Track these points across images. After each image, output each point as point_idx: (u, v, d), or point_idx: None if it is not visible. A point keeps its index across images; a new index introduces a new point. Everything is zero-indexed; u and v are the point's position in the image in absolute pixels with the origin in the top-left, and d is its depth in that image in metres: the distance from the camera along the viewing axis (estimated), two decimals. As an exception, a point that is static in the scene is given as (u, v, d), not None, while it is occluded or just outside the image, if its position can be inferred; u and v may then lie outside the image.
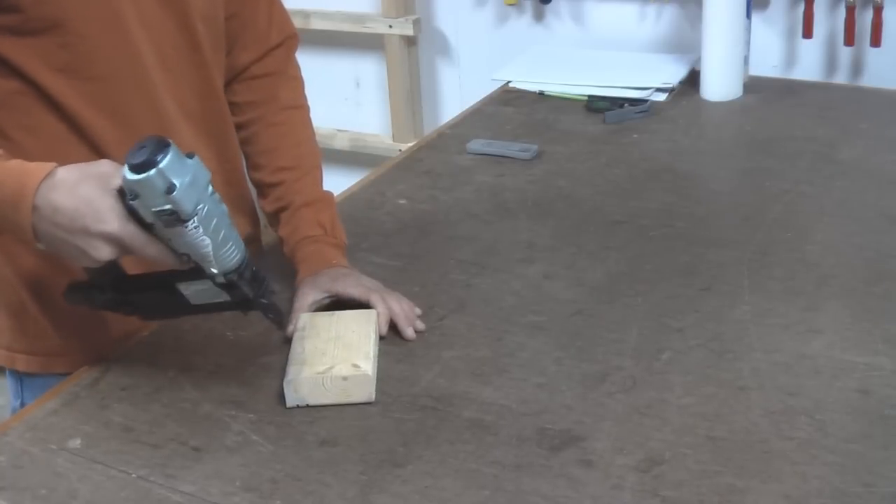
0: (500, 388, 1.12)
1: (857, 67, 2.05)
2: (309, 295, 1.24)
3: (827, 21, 2.04)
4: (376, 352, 1.15)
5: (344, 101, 2.70)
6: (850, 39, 1.98)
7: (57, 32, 1.11)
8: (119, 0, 1.14)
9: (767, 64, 2.09)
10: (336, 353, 1.12)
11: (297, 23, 2.53)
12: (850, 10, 1.95)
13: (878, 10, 1.93)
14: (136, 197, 0.97)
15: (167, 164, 0.95)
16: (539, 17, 2.33)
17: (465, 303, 1.28)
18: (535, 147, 1.73)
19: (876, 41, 1.95)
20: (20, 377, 1.30)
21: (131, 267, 1.09)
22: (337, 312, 1.21)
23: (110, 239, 0.98)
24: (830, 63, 2.07)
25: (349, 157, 2.67)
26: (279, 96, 1.37)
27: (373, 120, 2.68)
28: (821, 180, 1.57)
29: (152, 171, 0.95)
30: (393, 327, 1.22)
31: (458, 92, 2.51)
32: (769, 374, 1.11)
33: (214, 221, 1.00)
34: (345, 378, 1.09)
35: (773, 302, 1.24)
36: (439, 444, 1.03)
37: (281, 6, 1.39)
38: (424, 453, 1.02)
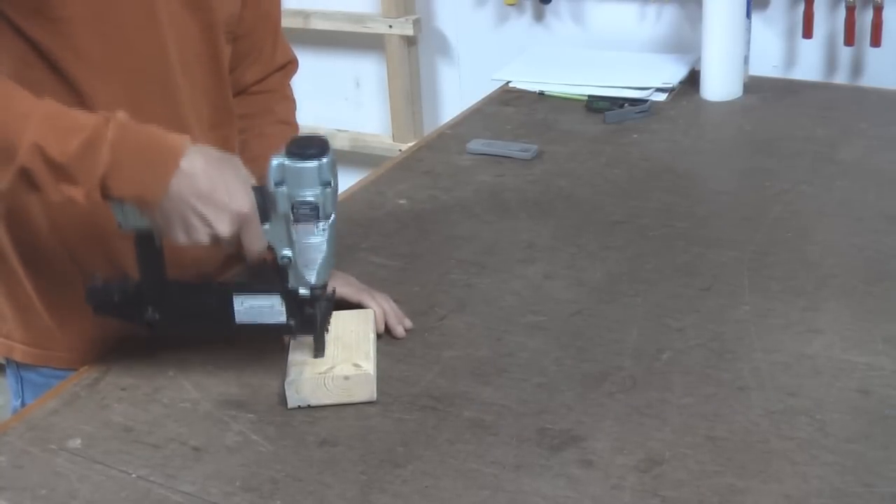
0: (500, 388, 1.12)
1: (857, 67, 2.05)
2: None
3: (827, 21, 2.04)
4: (376, 351, 1.15)
5: (344, 101, 2.70)
6: (850, 39, 1.98)
7: (91, 22, 1.11)
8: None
9: (767, 64, 2.09)
10: (336, 353, 1.12)
11: (297, 23, 2.57)
12: (850, 10, 1.95)
13: (878, 10, 1.93)
14: (282, 183, 1.02)
15: (331, 160, 1.03)
16: (539, 17, 2.33)
17: (465, 303, 1.29)
18: (535, 147, 1.73)
19: (876, 41, 1.95)
20: (20, 376, 1.30)
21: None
22: (335, 313, 1.21)
23: (238, 217, 1.02)
24: (830, 63, 2.07)
25: (349, 157, 2.67)
26: (274, 110, 1.41)
27: (373, 120, 2.68)
28: (821, 180, 1.57)
29: (321, 161, 1.02)
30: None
31: (458, 92, 2.51)
32: (769, 374, 1.11)
33: (335, 232, 1.05)
34: (346, 378, 1.09)
35: (773, 302, 1.24)
36: (439, 444, 1.03)
37: (283, 34, 1.43)
38: (424, 453, 1.02)
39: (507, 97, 2.02)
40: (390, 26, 2.44)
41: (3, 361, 1.31)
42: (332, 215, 1.04)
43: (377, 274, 1.35)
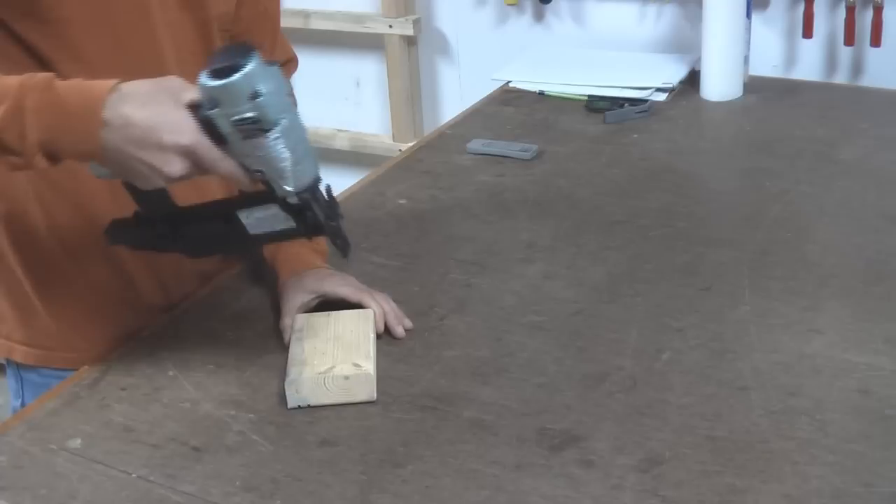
0: (500, 388, 1.12)
1: (857, 67, 2.05)
2: (297, 297, 1.23)
3: (827, 21, 2.04)
4: (375, 351, 1.15)
5: (344, 101, 2.70)
6: (850, 39, 1.98)
7: (83, 23, 1.11)
8: None
9: (767, 64, 2.09)
10: (336, 353, 1.12)
11: (297, 23, 2.57)
12: (850, 10, 1.95)
13: (878, 10, 1.93)
14: (215, 105, 0.93)
15: (253, 69, 0.92)
16: (539, 17, 2.33)
17: (465, 303, 1.28)
18: (535, 147, 1.73)
19: (876, 41, 1.95)
20: (20, 376, 1.30)
21: (182, 198, 1.05)
22: (333, 313, 1.21)
23: (185, 152, 0.95)
24: (830, 63, 2.07)
25: (349, 157, 2.67)
26: None
27: (373, 120, 2.68)
28: (821, 180, 1.57)
29: (237, 75, 0.91)
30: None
31: (458, 92, 2.51)
32: (769, 374, 1.11)
33: (295, 133, 0.96)
34: (347, 378, 1.09)
35: (773, 302, 1.24)
36: (439, 444, 1.03)
37: (282, 32, 1.42)
38: (424, 453, 1.02)
39: (507, 97, 2.02)
40: (390, 26, 2.44)
41: (3, 362, 1.31)
42: (283, 119, 0.95)
43: (377, 274, 1.35)
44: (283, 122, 0.95)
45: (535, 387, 1.11)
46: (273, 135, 0.95)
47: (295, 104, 0.98)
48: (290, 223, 1.03)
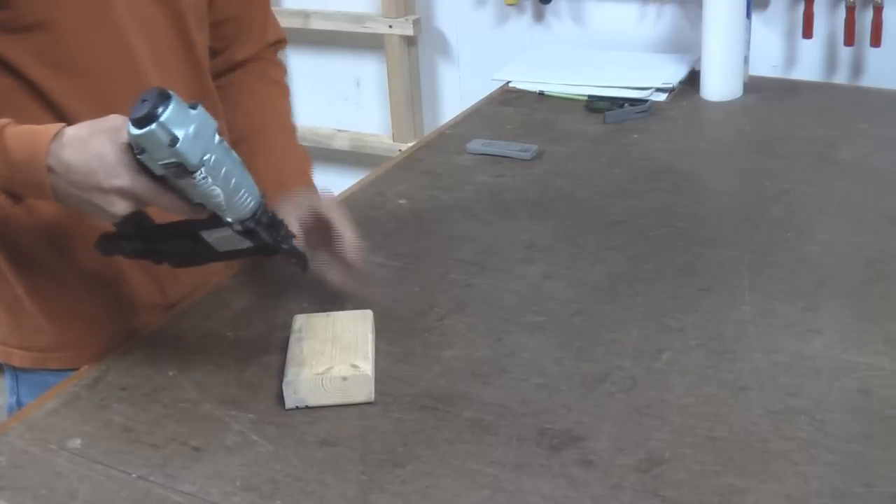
0: (500, 388, 1.12)
1: (857, 67, 2.05)
2: (292, 212, 1.22)
3: (827, 21, 2.04)
4: (374, 352, 1.15)
5: (344, 101, 2.70)
6: (850, 39, 1.98)
7: (48, 28, 1.11)
8: None
9: (767, 64, 2.09)
10: (334, 354, 1.12)
11: (297, 23, 2.57)
12: (850, 10, 1.95)
13: (878, 10, 1.93)
14: (142, 151, 0.96)
15: (168, 117, 0.94)
16: (539, 17, 2.33)
17: (465, 303, 1.28)
18: (535, 147, 1.73)
19: (876, 41, 1.95)
20: (16, 373, 1.30)
21: (158, 216, 1.09)
22: (333, 313, 1.21)
23: (124, 193, 0.99)
24: (830, 63, 2.07)
25: (349, 157, 2.67)
26: (267, 73, 1.42)
27: (373, 120, 2.68)
28: (821, 180, 1.57)
29: (153, 125, 0.94)
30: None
31: (458, 92, 2.51)
32: (769, 374, 1.11)
33: (224, 170, 0.99)
34: (344, 378, 1.09)
35: (773, 302, 1.24)
36: (439, 444, 1.03)
37: (272, 13, 1.44)
38: (424, 453, 1.02)
39: (507, 97, 2.02)
40: (390, 26, 2.44)
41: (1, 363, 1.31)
42: (207, 159, 0.97)
43: (377, 274, 1.35)
44: (209, 161, 0.97)
45: (535, 387, 1.11)
46: (199, 175, 0.97)
47: (224, 138, 1.01)
48: (247, 243, 1.06)
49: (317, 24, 2.56)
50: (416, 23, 2.43)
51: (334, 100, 2.69)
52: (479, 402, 1.09)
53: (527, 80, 2.06)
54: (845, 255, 1.35)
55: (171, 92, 0.96)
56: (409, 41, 2.48)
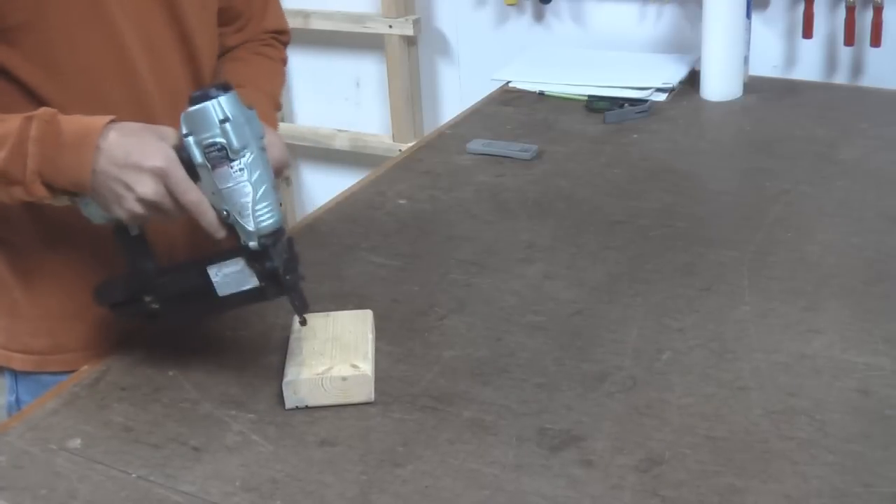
0: (500, 388, 1.12)
1: (857, 67, 2.05)
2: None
3: (827, 21, 2.04)
4: (374, 352, 1.15)
5: (344, 101, 2.70)
6: (850, 39, 1.98)
7: (35, 28, 1.11)
8: None
9: (767, 64, 2.09)
10: (334, 354, 1.12)
11: (297, 23, 2.57)
12: (850, 10, 1.95)
13: (878, 10, 1.93)
14: (190, 133, 1.01)
15: (226, 99, 1.01)
16: (539, 17, 2.33)
17: (465, 303, 1.28)
18: (535, 147, 1.73)
19: (876, 41, 1.95)
20: (15, 373, 1.30)
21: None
22: (332, 313, 1.21)
23: (159, 173, 1.02)
24: (830, 63, 2.07)
25: (349, 157, 2.68)
26: (256, 48, 1.41)
27: (373, 120, 2.68)
28: (821, 180, 1.57)
29: (209, 101, 1.00)
30: None
31: (458, 92, 2.51)
32: (769, 374, 1.11)
33: (258, 173, 1.03)
34: (344, 379, 1.09)
35: (773, 302, 1.24)
36: (439, 444, 1.03)
37: (277, 3, 1.44)
38: (424, 453, 1.02)
39: (507, 97, 2.02)
40: (390, 26, 2.44)
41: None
42: (247, 153, 1.02)
43: (377, 274, 1.36)
44: (248, 154, 1.02)
45: (534, 387, 1.11)
46: (237, 165, 1.01)
47: (264, 150, 1.05)
48: (254, 280, 1.07)
49: (317, 24, 2.56)
50: (416, 23, 2.43)
51: (334, 100, 2.69)
52: (479, 402, 1.09)
53: (527, 80, 2.06)
54: (845, 255, 1.35)
55: (231, 85, 1.02)
56: (409, 41, 2.48)
